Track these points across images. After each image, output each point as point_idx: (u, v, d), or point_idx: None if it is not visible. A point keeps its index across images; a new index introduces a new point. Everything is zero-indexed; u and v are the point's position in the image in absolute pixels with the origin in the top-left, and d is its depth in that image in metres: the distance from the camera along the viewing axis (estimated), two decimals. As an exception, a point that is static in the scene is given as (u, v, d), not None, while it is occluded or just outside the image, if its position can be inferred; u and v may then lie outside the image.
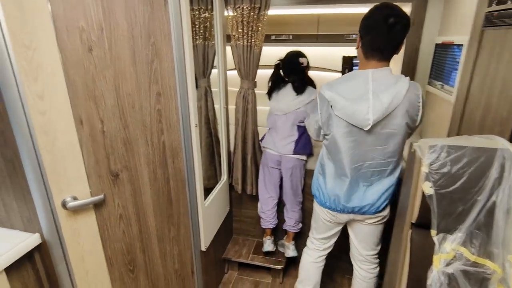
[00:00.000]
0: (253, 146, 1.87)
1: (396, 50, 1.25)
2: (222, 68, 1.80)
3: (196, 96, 1.38)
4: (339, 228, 1.54)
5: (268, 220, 1.96)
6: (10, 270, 0.97)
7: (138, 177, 1.22)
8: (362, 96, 1.23)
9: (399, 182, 1.33)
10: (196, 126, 1.38)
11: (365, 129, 1.23)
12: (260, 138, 1.93)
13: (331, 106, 1.29)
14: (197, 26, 1.72)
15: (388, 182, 1.35)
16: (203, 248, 1.61)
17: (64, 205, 1.04)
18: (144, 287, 1.39)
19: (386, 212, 1.41)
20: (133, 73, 1.10)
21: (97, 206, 1.14)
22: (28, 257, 1.03)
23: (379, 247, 1.51)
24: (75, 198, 1.06)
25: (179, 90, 1.24)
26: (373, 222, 1.42)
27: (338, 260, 1.97)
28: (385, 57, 1.25)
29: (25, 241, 1.01)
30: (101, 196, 1.10)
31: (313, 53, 1.95)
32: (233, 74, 1.88)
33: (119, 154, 1.14)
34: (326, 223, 1.51)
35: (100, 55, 1.02)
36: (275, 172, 1.86)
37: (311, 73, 1.82)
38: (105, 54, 1.03)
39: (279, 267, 1.97)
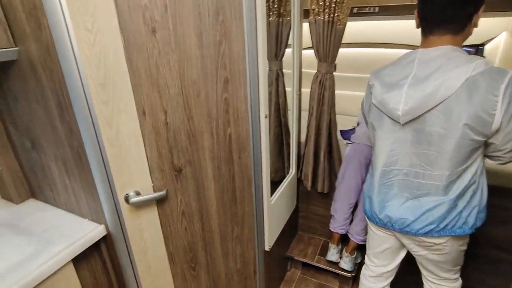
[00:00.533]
0: (328, 138, 1.64)
1: (459, 23, 0.91)
2: (298, 49, 1.58)
3: (267, 83, 1.20)
4: (392, 245, 1.22)
5: (339, 222, 1.74)
6: (78, 258, 0.96)
7: (202, 173, 1.11)
8: (399, 81, 0.96)
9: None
10: (266, 117, 1.21)
11: (400, 123, 0.97)
12: (340, 129, 1.69)
13: (371, 92, 1.07)
14: (270, 1, 1.51)
15: (438, 202, 1.00)
16: (267, 248, 1.49)
17: (127, 199, 0.98)
18: (205, 285, 1.33)
19: (441, 240, 1.04)
20: (199, 57, 0.97)
21: (160, 201, 1.07)
22: (95, 246, 1.02)
23: (458, 267, 1.17)
24: (137, 193, 1.00)
25: (249, 76, 1.08)
26: (430, 248, 1.09)
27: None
28: (443, 32, 0.92)
29: (92, 232, 0.99)
30: (163, 192, 1.02)
31: (407, 28, 1.60)
32: (307, 54, 1.65)
33: (182, 148, 1.04)
34: (375, 232, 1.24)
35: (164, 37, 0.90)
36: (364, 169, 1.62)
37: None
38: (169, 36, 0.91)
39: (349, 275, 1.76)
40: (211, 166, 1.12)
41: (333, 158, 1.68)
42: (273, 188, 1.51)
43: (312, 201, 1.97)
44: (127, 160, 0.95)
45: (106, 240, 1.05)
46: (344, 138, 1.71)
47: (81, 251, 0.95)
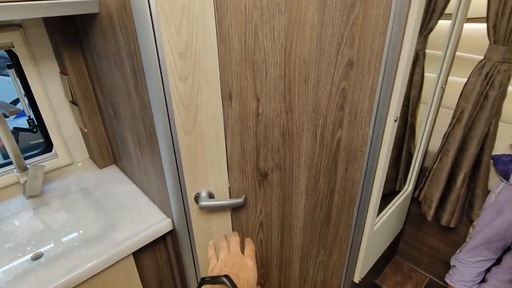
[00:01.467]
0: (478, 158, 1.14)
1: None
2: (460, 20, 1.08)
3: (409, 71, 0.81)
4: None
5: (464, 279, 1.25)
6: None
7: (293, 182, 0.84)
8: None
9: None
10: (395, 120, 0.85)
11: None
12: (494, 153, 1.15)
13: None
14: None
15: None
16: (356, 280, 1.18)
17: (196, 199, 0.80)
18: (273, 304, 1.12)
19: None
20: (316, 26, 0.66)
21: (235, 207, 0.86)
22: (162, 236, 0.89)
23: None
24: (210, 195, 0.80)
25: (385, 59, 0.72)
26: None
27: None
28: None
29: (159, 224, 0.86)
30: (241, 200, 0.80)
31: None
32: (469, 29, 1.13)
33: (273, 148, 0.78)
34: None
35: (272, -9, 0.62)
36: None
37: None
38: (280, -11, 0.62)
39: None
40: (305, 176, 0.84)
41: (475, 187, 1.19)
42: (380, 208, 1.15)
43: (424, 228, 1.52)
44: (203, 153, 0.75)
45: (172, 234, 0.91)
46: (498, 171, 1.16)
47: (145, 244, 0.83)
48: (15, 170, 0.97)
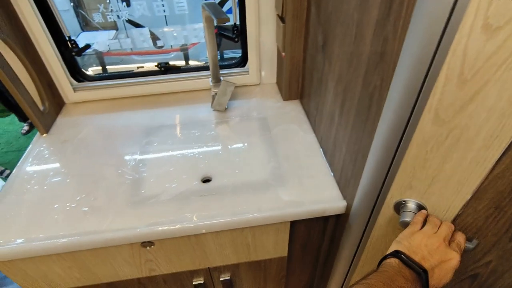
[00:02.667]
0: None
1: None
2: None
3: None
4: None
5: None
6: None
7: None
8: None
9: None
10: None
11: None
12: None
13: None
14: None
15: None
16: None
17: (397, 208, 0.55)
18: None
19: None
20: None
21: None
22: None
23: None
24: (420, 208, 0.53)
25: None
26: None
27: None
28: None
29: (329, 204, 0.69)
30: (470, 247, 0.50)
31: None
32: None
33: None
34: None
35: None
36: None
37: None
38: None
39: None
40: None
41: None
42: None
43: None
44: (444, 158, 0.46)
45: (339, 216, 0.73)
46: None
47: (307, 217, 0.69)
48: (209, 79, 0.94)
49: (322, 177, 0.74)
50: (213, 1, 0.78)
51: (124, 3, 0.90)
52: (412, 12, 0.37)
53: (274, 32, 0.95)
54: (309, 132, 0.87)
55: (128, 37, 0.99)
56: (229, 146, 0.83)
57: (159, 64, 1.01)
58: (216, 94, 0.91)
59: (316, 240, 0.84)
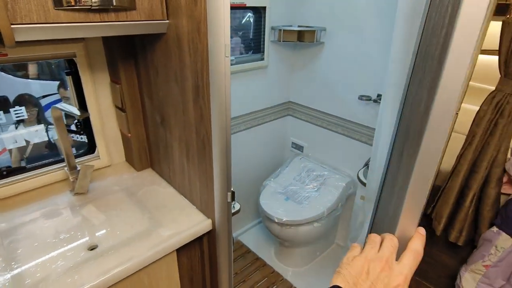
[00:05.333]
0: (485, 181, 1.24)
1: None
2: (475, 51, 1.20)
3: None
4: None
5: None
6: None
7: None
8: None
9: None
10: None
11: None
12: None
13: None
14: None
15: None
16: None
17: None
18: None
19: None
20: None
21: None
22: (198, 237, 0.97)
23: None
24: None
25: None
26: None
27: None
28: None
29: (199, 225, 0.94)
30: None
31: None
32: (482, 61, 1.25)
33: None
34: None
35: None
36: None
37: None
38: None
39: None
40: None
41: (483, 208, 1.28)
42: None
43: (433, 244, 1.60)
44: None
45: (210, 234, 0.99)
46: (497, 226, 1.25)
47: (188, 241, 0.91)
48: (65, 168, 1.05)
49: (188, 210, 0.99)
50: (61, 103, 0.95)
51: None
52: (210, 94, 0.74)
53: (115, 120, 1.19)
54: (168, 187, 1.12)
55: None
56: (103, 216, 0.96)
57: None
58: (76, 179, 1.02)
59: (198, 269, 1.05)
